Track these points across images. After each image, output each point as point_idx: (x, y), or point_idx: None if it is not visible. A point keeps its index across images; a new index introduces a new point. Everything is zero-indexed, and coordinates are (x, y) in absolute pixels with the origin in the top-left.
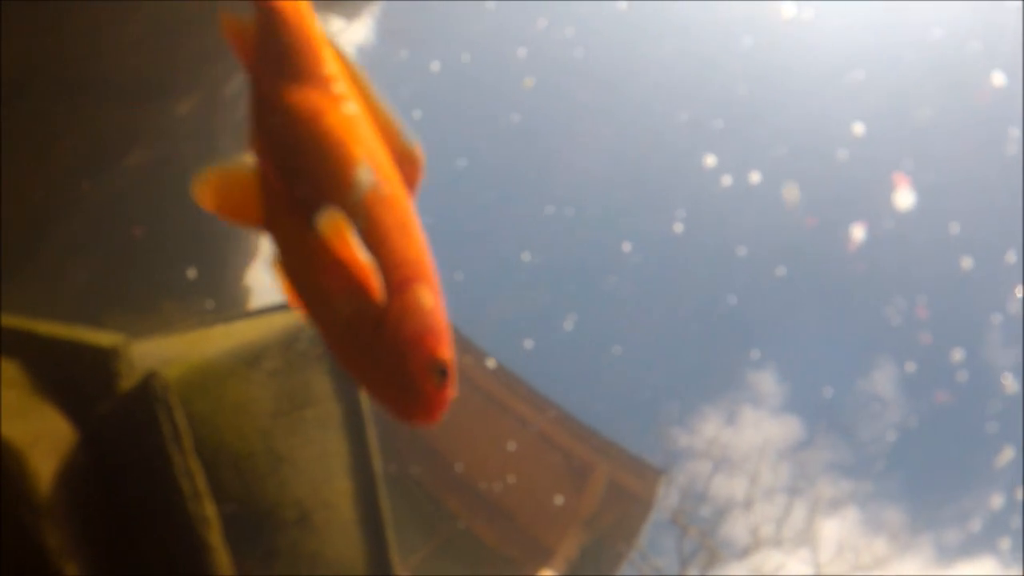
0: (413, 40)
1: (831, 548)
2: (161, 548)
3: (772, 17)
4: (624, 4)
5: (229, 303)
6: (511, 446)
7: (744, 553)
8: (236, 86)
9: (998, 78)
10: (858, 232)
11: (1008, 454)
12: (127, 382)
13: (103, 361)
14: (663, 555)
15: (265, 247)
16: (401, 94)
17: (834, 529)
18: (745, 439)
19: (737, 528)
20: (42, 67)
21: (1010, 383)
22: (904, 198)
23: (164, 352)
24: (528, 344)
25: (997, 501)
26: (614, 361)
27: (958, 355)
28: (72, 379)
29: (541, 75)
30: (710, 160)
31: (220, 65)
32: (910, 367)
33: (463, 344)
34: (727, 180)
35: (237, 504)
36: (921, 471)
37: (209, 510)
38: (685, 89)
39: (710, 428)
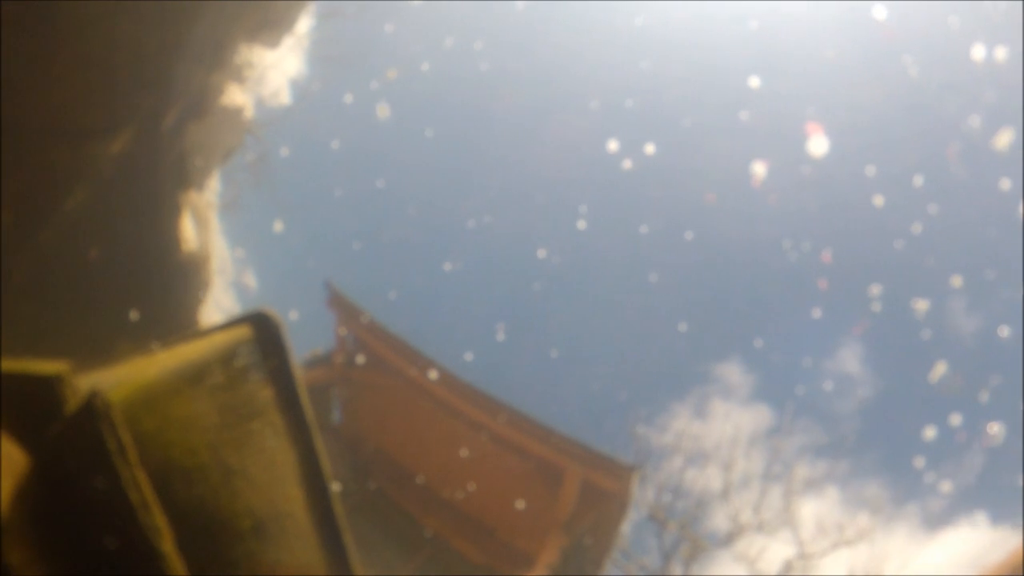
0: (343, 65)
1: (813, 528)
2: (117, 559)
3: None
4: (521, 5)
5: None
6: (482, 459)
7: (726, 540)
8: (173, 119)
9: (879, 11)
10: (760, 168)
11: (940, 368)
12: (73, 406)
13: (49, 388)
14: (647, 553)
15: (216, 283)
16: (326, 118)
17: (815, 509)
18: (717, 430)
19: (717, 518)
20: None
21: (921, 305)
22: (818, 145)
23: (109, 379)
24: (491, 356)
25: (976, 461)
26: (577, 368)
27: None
28: (21, 408)
29: (457, 87)
30: (614, 146)
31: (152, 99)
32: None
33: (426, 361)
34: (637, 165)
35: (192, 515)
36: (897, 442)
37: (159, 520)
38: (588, 81)
39: (681, 424)
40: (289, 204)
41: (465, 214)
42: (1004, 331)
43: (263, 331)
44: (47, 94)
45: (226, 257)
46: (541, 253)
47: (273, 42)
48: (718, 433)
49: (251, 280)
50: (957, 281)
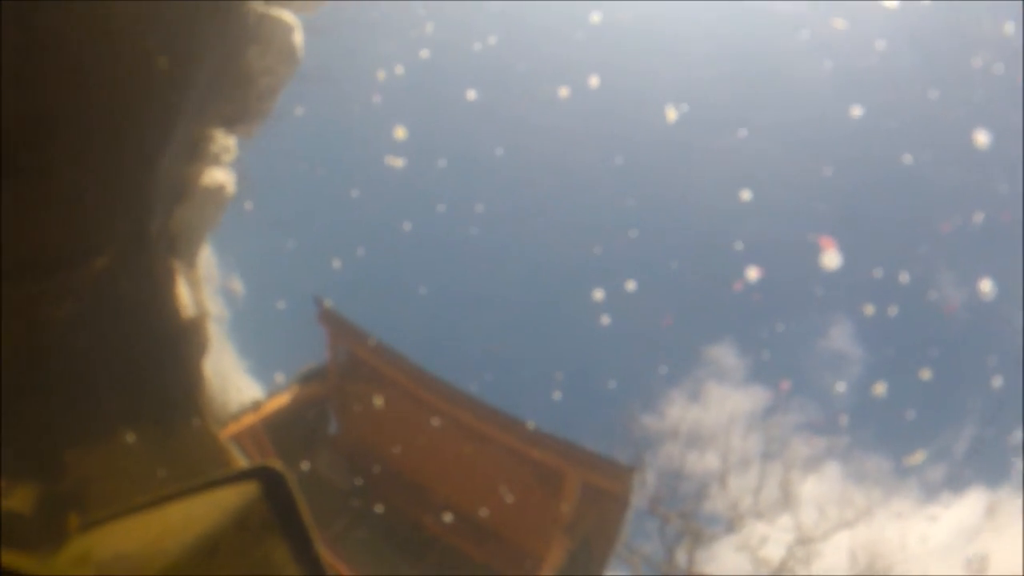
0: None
1: (813, 508)
2: None
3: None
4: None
5: (185, 416)
6: (482, 465)
7: (727, 529)
8: (153, 235)
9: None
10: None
11: (919, 456)
12: None
13: None
14: (647, 540)
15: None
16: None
17: (815, 486)
18: (712, 414)
19: (718, 503)
20: None
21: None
22: (831, 259)
23: (126, 547)
24: (481, 357)
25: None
26: (571, 365)
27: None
28: None
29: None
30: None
31: (129, 219)
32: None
33: (419, 371)
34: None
35: None
36: (896, 414)
37: None
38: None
39: (676, 410)
40: (273, 211)
41: (446, 218)
42: (987, 302)
43: (271, 488)
44: (26, 232)
45: (212, 263)
46: (526, 253)
47: (248, 132)
48: (714, 417)
49: (237, 285)
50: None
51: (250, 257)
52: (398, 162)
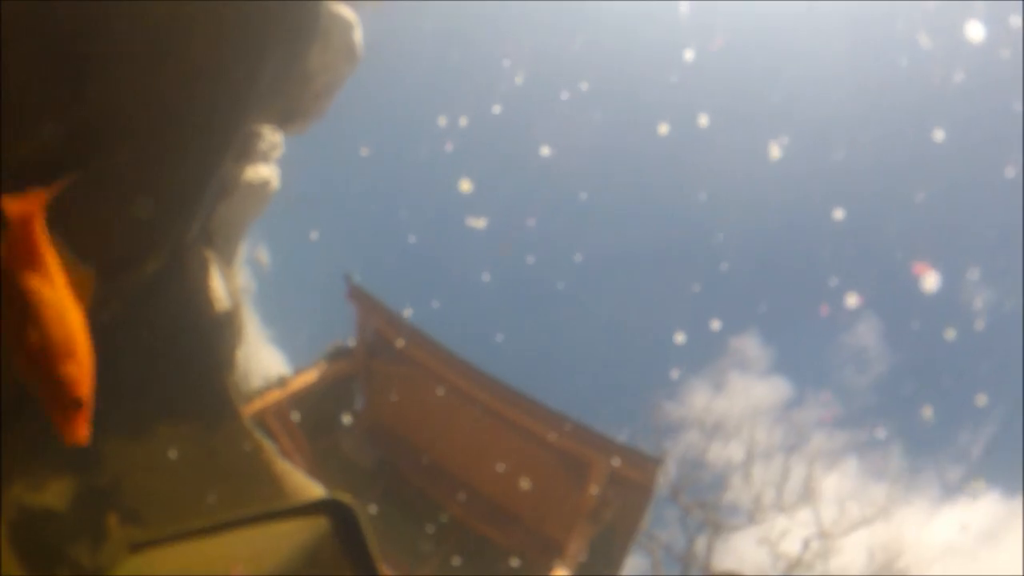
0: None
1: (833, 503)
2: None
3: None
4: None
5: (220, 410)
6: (507, 450)
7: (748, 520)
8: (194, 233)
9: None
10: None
11: (980, 484)
12: None
13: None
14: (667, 527)
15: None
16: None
17: (835, 482)
18: (736, 405)
19: (740, 494)
20: None
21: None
22: (930, 281)
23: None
24: (508, 347)
25: (989, 431)
26: (595, 350)
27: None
28: None
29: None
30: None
31: (180, 224)
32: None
33: (446, 353)
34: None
35: None
36: (915, 412)
37: None
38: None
39: (700, 399)
40: (303, 183)
41: (474, 207)
42: (1013, 303)
43: (342, 524)
44: (86, 239)
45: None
46: (549, 240)
47: (300, 130)
48: (736, 407)
49: (264, 256)
50: (968, 255)
51: (279, 231)
52: (479, 223)
